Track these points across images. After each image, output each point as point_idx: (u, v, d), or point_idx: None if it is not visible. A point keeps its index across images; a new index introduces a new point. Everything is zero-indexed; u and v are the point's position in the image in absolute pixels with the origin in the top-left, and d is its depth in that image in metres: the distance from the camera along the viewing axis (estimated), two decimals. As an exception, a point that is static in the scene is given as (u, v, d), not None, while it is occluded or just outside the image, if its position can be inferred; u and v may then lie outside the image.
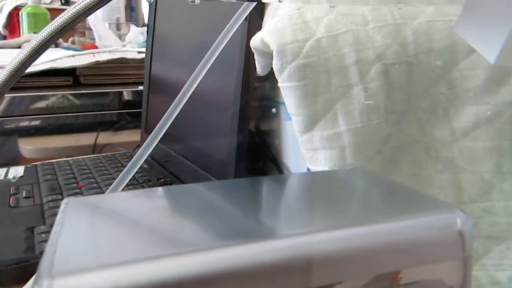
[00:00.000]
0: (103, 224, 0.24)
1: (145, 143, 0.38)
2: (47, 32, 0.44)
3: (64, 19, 0.42)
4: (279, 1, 0.41)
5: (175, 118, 0.40)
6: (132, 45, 1.53)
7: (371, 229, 0.22)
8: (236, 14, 0.38)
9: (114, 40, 1.53)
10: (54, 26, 0.43)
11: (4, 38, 1.97)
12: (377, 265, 0.21)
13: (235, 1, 0.36)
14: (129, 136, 1.07)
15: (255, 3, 0.38)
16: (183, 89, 0.40)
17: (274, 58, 0.40)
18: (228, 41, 0.40)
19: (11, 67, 0.45)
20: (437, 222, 0.23)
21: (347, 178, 0.30)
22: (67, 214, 0.23)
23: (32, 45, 0.44)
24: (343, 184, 0.29)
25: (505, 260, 0.40)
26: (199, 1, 0.32)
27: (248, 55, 0.47)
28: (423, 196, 0.26)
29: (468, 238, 0.23)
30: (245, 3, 0.37)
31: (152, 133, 0.38)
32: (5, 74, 0.45)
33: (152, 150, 0.39)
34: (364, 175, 0.31)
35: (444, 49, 0.40)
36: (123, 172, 0.38)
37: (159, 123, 0.39)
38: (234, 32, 0.40)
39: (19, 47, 1.41)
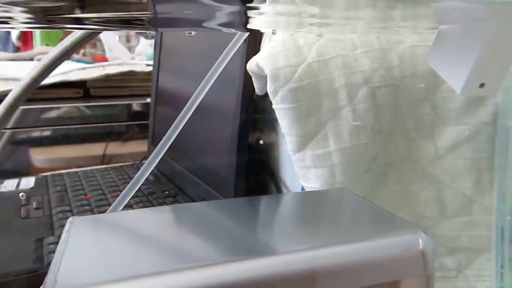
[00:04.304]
0: (107, 242, 0.26)
1: (146, 161, 0.40)
2: (61, 48, 0.46)
3: (78, 35, 0.45)
4: (273, 33, 0.43)
5: (179, 133, 0.42)
6: (141, 57, 1.56)
7: (340, 249, 0.24)
8: (231, 42, 0.40)
9: (124, 52, 1.56)
10: (69, 42, 0.46)
11: (18, 49, 2.01)
12: (345, 282, 0.24)
13: (230, 32, 0.38)
14: (137, 146, 1.09)
15: (248, 33, 0.40)
16: (185, 108, 0.42)
17: (268, 81, 0.43)
18: (228, 61, 0.42)
19: (27, 80, 0.48)
20: (401, 242, 0.25)
21: (329, 200, 0.33)
22: (71, 233, 0.26)
23: (47, 60, 0.47)
24: (324, 205, 0.32)
25: (485, 271, 0.43)
26: (195, 33, 0.34)
27: (248, 75, 0.50)
28: (391, 217, 0.28)
29: (430, 257, 0.25)
30: (239, 33, 0.40)
31: (154, 151, 0.41)
32: (20, 87, 0.48)
33: (159, 163, 0.41)
34: (345, 196, 0.33)
35: (427, 73, 0.42)
36: (126, 188, 0.40)
37: (161, 141, 0.41)
38: (234, 53, 0.42)
39: (32, 60, 1.44)
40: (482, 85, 0.29)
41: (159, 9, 0.25)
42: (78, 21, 0.30)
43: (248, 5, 0.24)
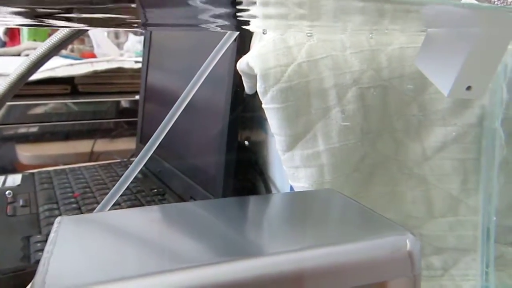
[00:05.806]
0: (95, 243, 0.26)
1: (135, 160, 0.40)
2: (50, 44, 0.46)
3: (67, 31, 0.45)
4: (263, 33, 0.43)
5: (168, 131, 0.42)
6: (130, 54, 1.55)
7: (328, 250, 0.24)
8: (221, 41, 0.41)
9: (112, 48, 1.56)
10: (58, 38, 0.45)
11: (4, 44, 1.99)
12: (333, 283, 0.24)
13: (220, 30, 0.38)
14: (125, 144, 1.09)
15: (238, 33, 0.40)
16: (174, 106, 0.42)
17: (258, 81, 0.43)
18: (218, 60, 0.42)
19: (14, 76, 0.47)
20: (389, 243, 0.25)
21: (318, 201, 0.33)
22: (59, 233, 0.25)
23: (35, 56, 0.47)
24: (313, 206, 0.32)
25: (471, 270, 0.43)
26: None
27: (237, 73, 0.50)
28: (379, 218, 0.28)
29: (417, 258, 0.25)
30: (228, 32, 0.40)
31: (142, 150, 0.41)
32: (8, 82, 0.48)
33: (147, 161, 0.41)
34: (333, 197, 0.34)
35: (415, 74, 0.42)
36: (114, 187, 0.40)
37: (150, 140, 0.41)
38: (224, 52, 0.42)
39: (19, 55, 1.43)
40: (469, 88, 0.29)
41: (149, 10, 0.25)
42: (67, 19, 0.30)
43: (238, 7, 0.24)
